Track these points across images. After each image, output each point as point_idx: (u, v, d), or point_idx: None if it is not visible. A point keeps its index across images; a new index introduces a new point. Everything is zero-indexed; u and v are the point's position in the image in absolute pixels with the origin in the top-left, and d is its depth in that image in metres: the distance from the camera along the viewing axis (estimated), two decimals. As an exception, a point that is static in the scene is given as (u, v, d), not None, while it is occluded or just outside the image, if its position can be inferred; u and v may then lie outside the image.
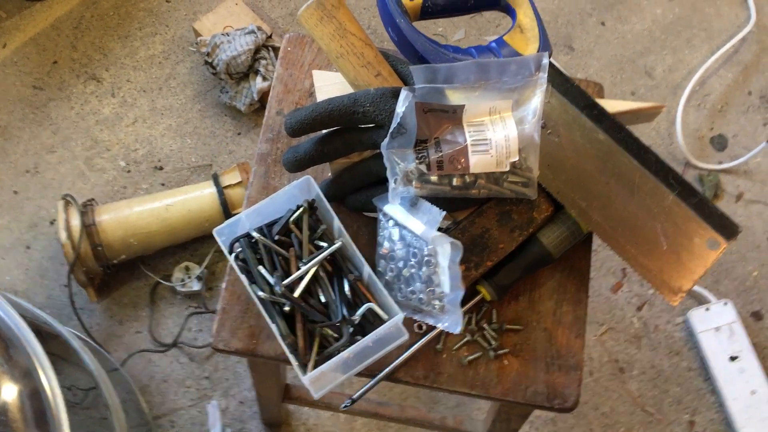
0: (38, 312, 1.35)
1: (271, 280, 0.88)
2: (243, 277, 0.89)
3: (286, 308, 0.87)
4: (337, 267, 0.89)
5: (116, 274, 1.62)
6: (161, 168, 1.77)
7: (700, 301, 1.61)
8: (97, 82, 1.85)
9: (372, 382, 0.88)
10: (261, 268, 0.89)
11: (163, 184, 1.75)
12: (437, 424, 1.30)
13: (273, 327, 0.86)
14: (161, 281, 1.63)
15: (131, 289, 1.65)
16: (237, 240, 0.91)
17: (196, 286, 1.63)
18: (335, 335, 0.87)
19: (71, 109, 1.82)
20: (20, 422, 0.98)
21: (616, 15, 1.96)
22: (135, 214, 1.57)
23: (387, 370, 0.87)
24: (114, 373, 1.51)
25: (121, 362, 1.56)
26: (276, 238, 0.91)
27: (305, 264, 0.88)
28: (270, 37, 1.75)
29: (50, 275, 1.65)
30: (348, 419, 1.54)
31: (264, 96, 1.73)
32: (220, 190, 1.59)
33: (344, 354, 0.84)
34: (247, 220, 0.93)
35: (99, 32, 1.90)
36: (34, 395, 1.00)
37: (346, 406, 0.89)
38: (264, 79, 1.72)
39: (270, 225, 0.93)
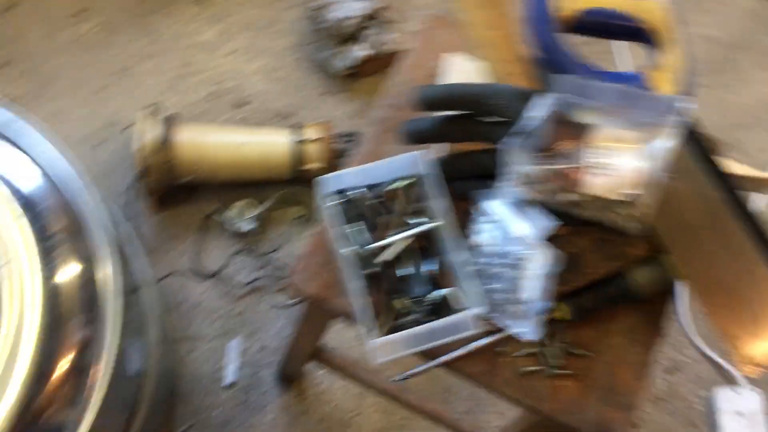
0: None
1: (360, 240, 0.89)
2: (334, 230, 0.90)
3: (369, 270, 0.88)
4: (432, 245, 0.90)
5: (175, 194, 1.64)
6: (243, 104, 1.79)
7: (731, 381, 1.60)
8: (202, 7, 1.87)
9: (432, 364, 0.89)
10: (352, 226, 0.90)
11: (240, 120, 1.76)
12: (451, 423, 1.31)
13: (351, 285, 0.87)
14: (215, 213, 1.65)
15: (185, 212, 1.67)
16: (339, 193, 0.92)
17: (246, 227, 1.65)
18: (408, 310, 0.88)
19: (173, 25, 1.84)
20: (72, 303, 0.99)
21: (723, 82, 1.95)
22: (211, 141, 1.59)
23: (449, 356, 0.88)
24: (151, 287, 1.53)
25: (160, 278, 1.58)
26: (375, 202, 0.92)
27: (397, 233, 0.89)
28: (382, 9, 1.76)
29: (112, 178, 1.67)
30: (358, 395, 1.55)
31: (363, 64, 1.74)
32: (297, 141, 1.61)
33: (415, 330, 0.85)
34: (351, 177, 0.94)
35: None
36: (89, 282, 1.01)
37: (398, 380, 0.90)
38: (367, 47, 1.73)
39: (371, 187, 0.94)
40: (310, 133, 1.62)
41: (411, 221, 0.90)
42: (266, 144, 1.61)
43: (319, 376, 1.56)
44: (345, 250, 0.88)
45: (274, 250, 1.66)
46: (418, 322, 0.86)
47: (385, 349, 0.86)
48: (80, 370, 0.98)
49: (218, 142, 1.59)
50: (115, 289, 1.03)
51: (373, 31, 1.73)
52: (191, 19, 1.84)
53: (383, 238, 0.89)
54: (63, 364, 0.96)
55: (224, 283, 1.62)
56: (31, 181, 1.04)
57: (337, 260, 0.91)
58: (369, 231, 0.89)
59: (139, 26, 1.82)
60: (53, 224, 1.02)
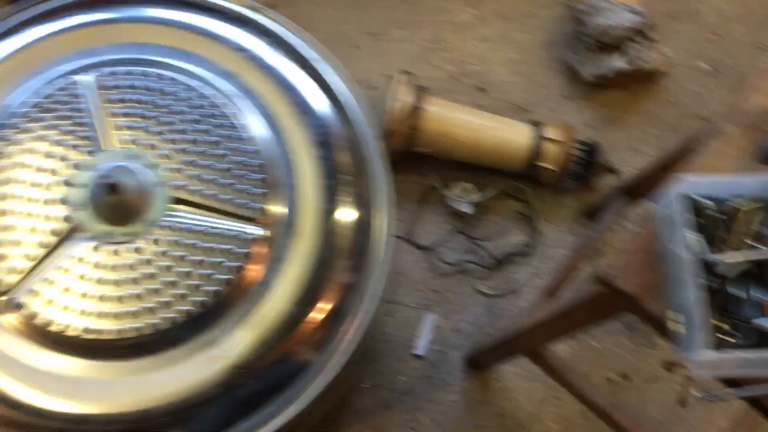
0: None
1: (698, 250, 0.85)
2: (671, 234, 0.87)
3: (705, 282, 0.85)
4: (765, 273, 0.86)
5: (405, 161, 1.68)
6: (484, 90, 1.80)
7: None
8: (467, -12, 1.89)
9: (752, 393, 0.85)
10: (693, 233, 0.87)
11: (477, 106, 1.78)
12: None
13: (685, 293, 0.83)
14: (438, 188, 1.67)
15: (409, 180, 1.71)
16: (684, 198, 0.88)
17: (465, 208, 1.66)
18: (731, 331, 0.85)
19: (434, 0, 1.88)
20: (345, 245, 1.03)
21: None
22: (456, 118, 1.61)
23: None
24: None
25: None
26: (717, 215, 0.88)
27: (740, 252, 0.85)
28: (650, 26, 1.72)
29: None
30: (540, 401, 1.53)
31: (616, 76, 1.71)
32: (539, 137, 1.60)
33: (747, 353, 0.82)
34: (701, 184, 0.90)
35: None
36: (365, 227, 1.05)
37: (703, 399, 0.87)
38: (625, 61, 1.69)
39: (715, 200, 0.90)
40: (552, 132, 1.61)
41: (752, 243, 0.86)
42: (507, 132, 1.62)
43: (505, 369, 1.56)
44: (686, 256, 0.85)
45: (487, 239, 1.66)
46: (741, 346, 0.83)
47: (709, 365, 0.82)
48: (337, 316, 1.01)
49: (463, 121, 1.61)
50: (387, 241, 1.06)
51: (636, 46, 1.69)
52: (452, -1, 1.88)
53: (720, 253, 0.86)
54: (323, 305, 1.00)
55: (433, 257, 1.64)
56: (327, 119, 1.09)
57: (665, 263, 0.88)
58: (712, 243, 0.86)
59: (401, -5, 1.87)
60: (341, 163, 1.07)
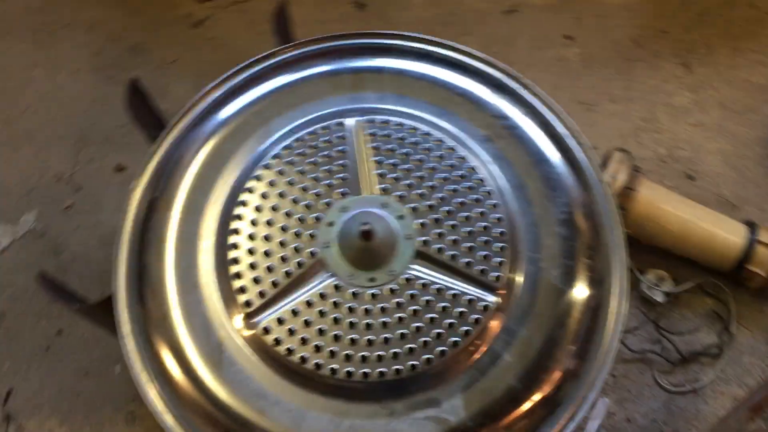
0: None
1: None
2: None
3: None
4: None
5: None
6: (692, 178, 1.74)
7: None
8: (687, 71, 1.85)
9: None
10: None
11: (683, 193, 1.72)
12: None
13: None
14: (633, 270, 1.63)
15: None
16: None
17: (658, 297, 1.61)
18: None
19: (651, 78, 1.85)
20: (577, 328, 1.02)
21: None
22: (668, 206, 1.57)
23: None
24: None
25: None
26: None
27: None
28: None
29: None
30: None
31: None
32: (754, 240, 1.53)
33: None
34: None
35: (717, 31, 1.89)
36: (597, 310, 1.03)
37: None
38: None
39: None
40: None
41: None
42: (720, 230, 1.56)
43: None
44: None
45: (675, 332, 1.60)
46: None
47: None
48: (554, 402, 1.00)
49: (674, 210, 1.56)
50: (616, 330, 1.03)
51: None
52: (671, 79, 1.84)
53: None
54: (545, 387, 0.99)
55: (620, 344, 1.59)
56: (575, 198, 1.09)
57: None
58: None
59: (619, 68, 1.85)
60: (583, 245, 1.06)
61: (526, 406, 0.97)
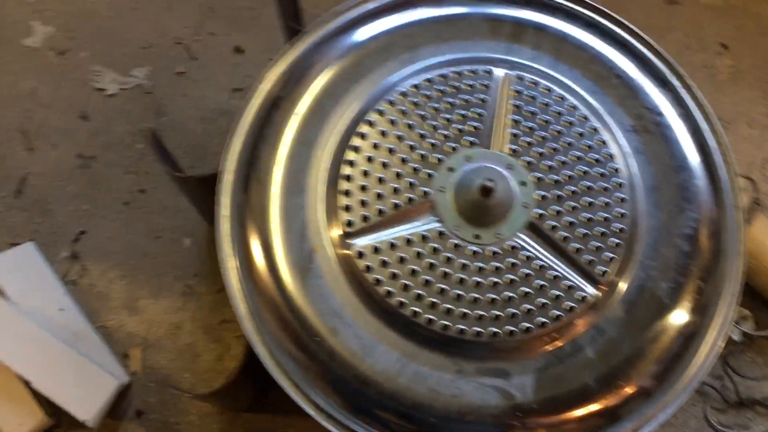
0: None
1: None
2: None
3: None
4: None
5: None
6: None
7: None
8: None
9: None
10: None
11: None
12: None
13: None
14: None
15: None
16: None
17: (735, 335, 1.55)
18: None
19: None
20: (663, 348, 0.98)
21: None
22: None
23: None
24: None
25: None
26: None
27: None
28: None
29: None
30: None
31: None
32: None
33: None
34: None
35: None
36: (692, 338, 0.99)
37: None
38: None
39: None
40: None
41: None
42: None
43: None
44: None
45: (741, 374, 1.54)
46: None
47: None
48: (616, 415, 0.97)
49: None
50: (708, 363, 0.99)
51: None
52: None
53: None
54: (611, 397, 0.96)
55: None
56: (705, 214, 1.03)
57: None
58: None
59: (766, 92, 1.75)
60: (699, 266, 1.00)
61: (593, 407, 0.94)
